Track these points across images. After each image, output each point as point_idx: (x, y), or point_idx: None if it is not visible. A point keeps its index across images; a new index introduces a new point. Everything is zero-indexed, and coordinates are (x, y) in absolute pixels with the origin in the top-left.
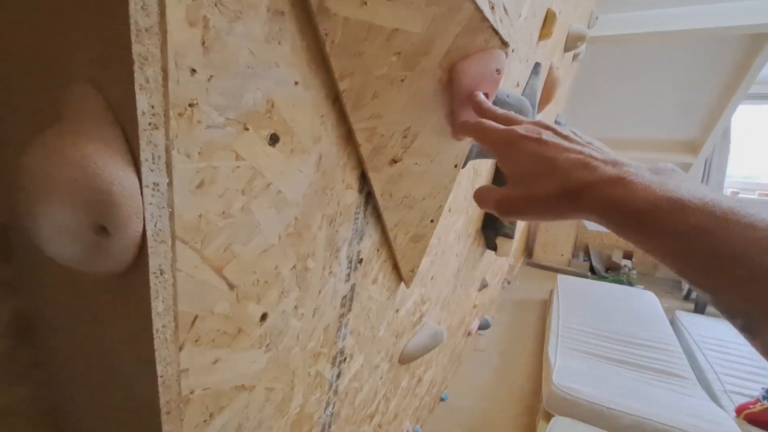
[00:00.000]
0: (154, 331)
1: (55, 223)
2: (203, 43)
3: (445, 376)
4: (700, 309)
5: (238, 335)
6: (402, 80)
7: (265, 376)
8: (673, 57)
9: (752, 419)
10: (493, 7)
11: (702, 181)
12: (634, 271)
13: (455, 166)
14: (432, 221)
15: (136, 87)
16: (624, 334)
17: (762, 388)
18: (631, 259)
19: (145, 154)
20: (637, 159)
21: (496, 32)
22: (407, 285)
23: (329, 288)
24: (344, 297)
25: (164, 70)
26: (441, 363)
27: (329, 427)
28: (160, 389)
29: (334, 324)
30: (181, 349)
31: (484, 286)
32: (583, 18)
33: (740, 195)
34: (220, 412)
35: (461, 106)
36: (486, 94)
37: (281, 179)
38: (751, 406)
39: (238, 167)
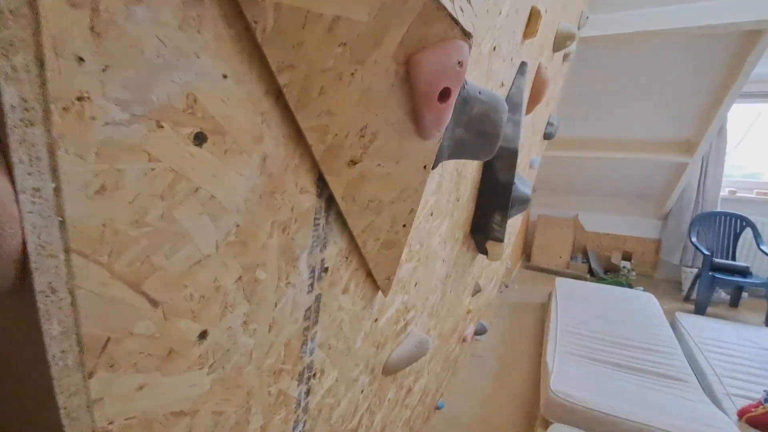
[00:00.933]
0: (50, 358)
1: None
2: (92, 28)
3: (440, 384)
4: (700, 310)
5: (169, 357)
6: (352, 74)
7: (210, 399)
8: (666, 56)
9: (754, 422)
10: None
11: (699, 180)
12: (633, 273)
13: (424, 167)
14: (404, 226)
15: (0, 77)
16: (624, 337)
17: (764, 391)
18: (630, 260)
19: (18, 155)
20: (631, 160)
21: (456, 22)
22: (385, 293)
23: (287, 300)
24: (308, 309)
25: (39, 59)
26: (434, 371)
27: None
28: (65, 422)
29: (297, 338)
30: (90, 376)
31: (477, 291)
32: (573, 17)
33: (738, 194)
34: None
35: (423, 103)
36: (448, 89)
37: (213, 183)
38: (753, 409)
39: (152, 170)
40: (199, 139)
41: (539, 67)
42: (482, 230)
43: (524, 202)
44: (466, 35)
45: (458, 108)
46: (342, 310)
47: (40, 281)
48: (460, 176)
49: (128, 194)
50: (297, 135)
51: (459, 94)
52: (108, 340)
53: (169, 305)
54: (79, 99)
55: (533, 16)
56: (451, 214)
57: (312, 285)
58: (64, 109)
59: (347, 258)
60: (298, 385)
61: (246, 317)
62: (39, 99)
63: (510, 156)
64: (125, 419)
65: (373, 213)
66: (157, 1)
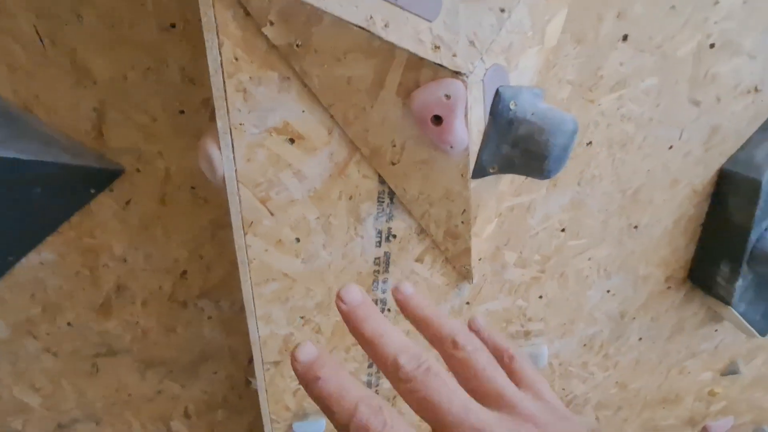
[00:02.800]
0: (235, 222)
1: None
2: (244, 98)
3: None
4: None
5: (279, 243)
6: (371, 107)
7: (302, 278)
8: None
9: None
10: (438, 47)
11: None
12: None
13: (461, 175)
14: (463, 223)
15: (220, 120)
16: None
17: None
18: None
19: (225, 144)
20: None
21: (441, 66)
22: (466, 279)
23: (356, 244)
24: (377, 258)
25: (227, 110)
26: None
27: None
28: (236, 241)
29: (368, 275)
30: (245, 234)
31: (733, 371)
32: None
33: None
34: (272, 281)
35: (421, 126)
36: (440, 117)
37: (299, 163)
38: None
39: (269, 153)
40: (291, 141)
41: None
42: (702, 280)
43: None
44: (456, 74)
45: (503, 127)
46: (416, 274)
47: (233, 200)
48: (636, 201)
49: (258, 163)
50: (360, 141)
51: (502, 115)
52: (252, 222)
53: (278, 217)
54: (241, 124)
55: None
56: (618, 242)
57: (380, 242)
58: (235, 128)
59: (419, 234)
60: None
61: (324, 242)
62: (227, 126)
63: (750, 189)
64: (259, 261)
65: (425, 203)
66: (268, 82)
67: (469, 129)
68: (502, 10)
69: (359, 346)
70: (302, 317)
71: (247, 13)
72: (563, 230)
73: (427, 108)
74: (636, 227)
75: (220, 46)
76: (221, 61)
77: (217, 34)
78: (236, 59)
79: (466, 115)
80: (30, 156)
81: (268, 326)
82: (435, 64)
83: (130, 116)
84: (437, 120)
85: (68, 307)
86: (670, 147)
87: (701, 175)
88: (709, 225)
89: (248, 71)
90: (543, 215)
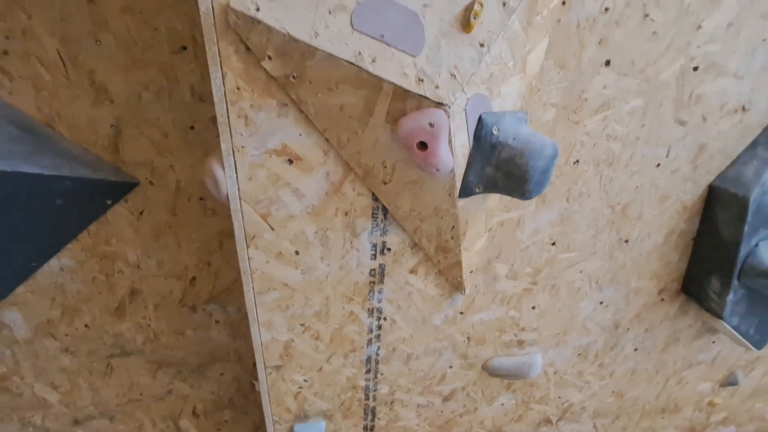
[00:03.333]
0: (238, 235)
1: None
2: (245, 124)
3: None
4: None
5: (279, 255)
6: (362, 132)
7: (302, 288)
8: None
9: None
10: (421, 80)
11: None
12: None
13: (449, 195)
14: (453, 238)
15: (224, 143)
16: None
17: None
18: None
19: (228, 164)
20: None
21: (425, 97)
22: (458, 291)
23: (352, 257)
24: (372, 269)
25: (230, 134)
26: None
27: (377, 363)
28: (239, 253)
29: (364, 285)
30: (248, 247)
31: (732, 383)
32: None
33: None
34: (273, 291)
35: (407, 151)
36: (425, 143)
37: (297, 181)
38: None
39: (269, 172)
40: (290, 162)
41: None
42: (694, 294)
43: None
44: (439, 104)
45: (487, 151)
46: (410, 285)
47: (236, 215)
48: (625, 216)
49: (259, 182)
50: (353, 162)
51: (486, 140)
52: (254, 236)
53: (278, 232)
54: (242, 147)
55: None
56: (609, 255)
57: (375, 255)
58: (237, 150)
59: (413, 248)
60: (368, 316)
61: (322, 254)
62: (230, 149)
63: (739, 206)
64: (261, 272)
65: (417, 219)
66: (267, 108)
67: (454, 153)
68: (482, 45)
69: (357, 353)
70: (302, 324)
71: (248, 49)
72: (553, 244)
73: (412, 135)
74: (626, 241)
75: (223, 77)
76: (224, 90)
77: (221, 66)
78: (238, 89)
79: (450, 141)
80: (53, 171)
81: (269, 332)
82: (419, 95)
83: (144, 132)
84: (423, 146)
85: (85, 310)
86: (658, 165)
87: (690, 192)
88: (700, 240)
89: (249, 99)
90: (533, 230)
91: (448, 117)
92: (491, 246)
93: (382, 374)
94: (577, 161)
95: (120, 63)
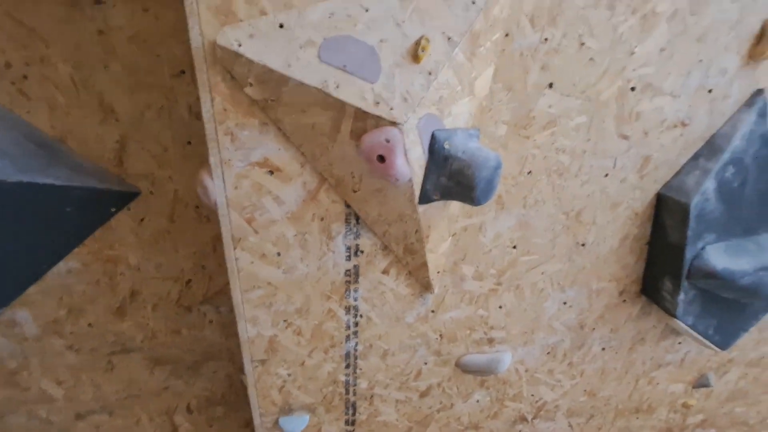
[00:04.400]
0: (226, 238)
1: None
2: (231, 140)
3: None
4: None
5: (263, 256)
6: (331, 147)
7: (284, 286)
8: None
9: None
10: (378, 103)
11: None
12: None
13: (410, 201)
14: (418, 241)
15: (213, 157)
16: None
17: None
18: None
19: (216, 175)
20: None
21: (381, 117)
22: (427, 290)
23: (329, 258)
24: (348, 270)
25: (218, 149)
26: None
27: (356, 358)
28: (227, 254)
29: (340, 284)
30: (235, 249)
31: (703, 384)
32: None
33: None
34: (258, 288)
35: (369, 163)
36: (382, 156)
37: (277, 189)
38: None
39: (252, 182)
40: (271, 173)
41: None
42: (651, 294)
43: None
44: (393, 123)
45: (441, 163)
46: (383, 285)
47: (224, 220)
48: (580, 222)
49: (244, 191)
50: (326, 173)
51: (439, 153)
52: (240, 239)
53: (261, 235)
54: (229, 160)
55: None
56: (568, 258)
57: (350, 257)
58: (225, 163)
59: (384, 250)
60: (346, 314)
61: (301, 255)
62: (219, 160)
63: (681, 212)
64: (246, 271)
65: (384, 224)
66: (250, 128)
67: (410, 165)
68: (430, 73)
69: (338, 348)
70: (285, 320)
71: (233, 77)
72: (515, 247)
73: (372, 150)
74: (583, 245)
75: (212, 100)
76: (213, 112)
77: (210, 92)
78: (225, 110)
79: (406, 154)
80: (63, 181)
81: (255, 327)
82: (376, 116)
83: (146, 147)
84: (382, 159)
85: (89, 310)
86: (606, 175)
87: (640, 199)
88: (653, 243)
89: (234, 119)
90: (494, 234)
91: (402, 134)
92: (457, 249)
93: (360, 369)
94: (530, 172)
95: (125, 85)
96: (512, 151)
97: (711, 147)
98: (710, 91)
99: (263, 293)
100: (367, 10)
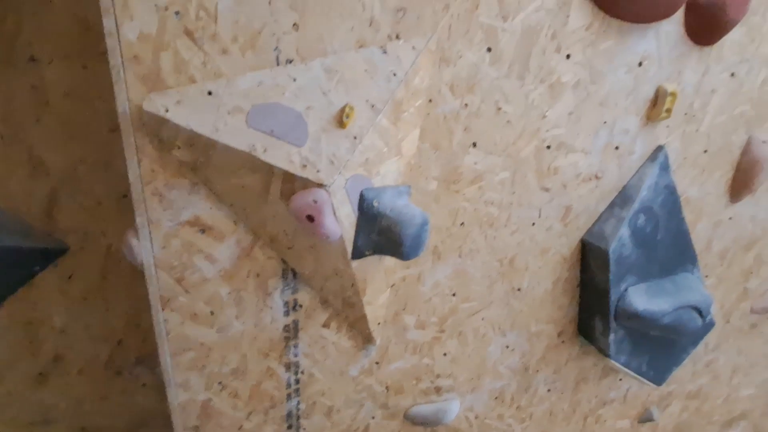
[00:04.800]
0: (153, 299)
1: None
2: (160, 201)
3: None
4: None
5: (194, 316)
6: (263, 206)
7: (218, 346)
8: None
9: None
10: (305, 166)
11: None
12: None
13: (343, 257)
14: (356, 293)
15: (139, 217)
16: None
17: None
18: None
19: (143, 236)
20: None
21: (308, 179)
22: (368, 341)
23: (266, 314)
24: (287, 325)
25: (145, 209)
26: None
27: (298, 418)
28: (154, 316)
29: (279, 341)
30: (163, 309)
31: (647, 419)
32: None
33: None
34: (189, 351)
35: (299, 222)
36: (311, 216)
37: (210, 248)
38: None
39: (184, 240)
40: (202, 231)
41: (750, 143)
42: (586, 335)
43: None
44: (320, 185)
45: (371, 220)
46: (324, 338)
47: (151, 281)
48: (514, 268)
49: (173, 250)
50: (260, 230)
51: (368, 211)
52: (168, 299)
53: (192, 295)
54: (156, 220)
55: (661, 97)
56: (506, 303)
57: (288, 312)
58: (153, 224)
59: (323, 304)
60: (286, 371)
61: (236, 314)
62: (145, 221)
63: (602, 257)
64: (175, 333)
65: (321, 279)
66: (179, 185)
67: (340, 223)
68: (355, 138)
69: (278, 408)
70: (220, 383)
71: (161, 140)
72: (454, 295)
73: (301, 210)
74: (519, 290)
75: (139, 162)
76: (140, 173)
77: (137, 153)
78: (153, 171)
79: (334, 213)
80: None
81: (186, 393)
82: (303, 178)
83: (78, 201)
84: (311, 218)
85: (8, 377)
86: (533, 224)
87: (566, 245)
88: (583, 286)
89: (163, 180)
90: (433, 283)
91: (329, 194)
92: (397, 299)
93: (304, 429)
94: (463, 223)
95: (58, 139)
96: (444, 204)
97: (623, 197)
98: (617, 147)
99: (195, 355)
100: (294, 80)
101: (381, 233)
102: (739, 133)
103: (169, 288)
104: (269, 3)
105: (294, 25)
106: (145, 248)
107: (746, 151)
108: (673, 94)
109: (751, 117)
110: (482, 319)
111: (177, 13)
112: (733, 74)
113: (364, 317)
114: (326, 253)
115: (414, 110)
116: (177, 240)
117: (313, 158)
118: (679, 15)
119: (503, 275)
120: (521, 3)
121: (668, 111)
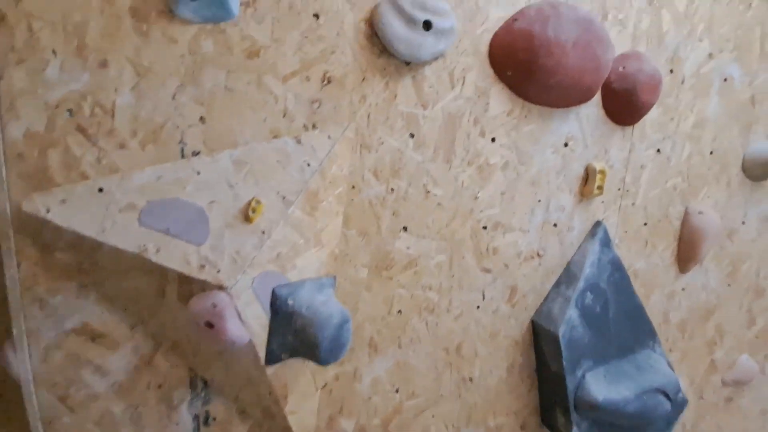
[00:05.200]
0: (33, 421)
1: None
2: (40, 307)
3: None
4: None
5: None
6: (160, 310)
7: None
8: None
9: None
10: (203, 266)
11: None
12: None
13: (255, 363)
14: (274, 403)
15: (16, 328)
16: None
17: None
18: None
19: (20, 348)
20: None
21: (206, 281)
22: None
23: (173, 431)
24: None
25: (22, 318)
26: None
27: None
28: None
29: None
30: None
31: None
32: None
33: None
34: None
35: (199, 330)
36: (210, 324)
37: (101, 358)
38: None
39: (67, 352)
40: (92, 340)
41: (688, 214)
42: (552, 426)
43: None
44: (220, 287)
45: (286, 320)
46: None
47: (29, 399)
48: (462, 356)
49: (55, 364)
50: (160, 336)
51: (282, 310)
52: (51, 420)
53: (79, 414)
54: (37, 329)
55: (591, 174)
56: (458, 396)
57: (198, 427)
58: (30, 335)
59: (241, 414)
60: None
61: None
62: (22, 332)
63: (552, 340)
64: None
65: (234, 388)
66: (64, 289)
67: (248, 326)
68: (263, 232)
69: None
70: None
71: (44, 242)
72: (397, 391)
73: (199, 315)
74: (471, 380)
75: (18, 265)
76: (19, 277)
77: (16, 256)
78: (34, 274)
79: (239, 317)
80: None
81: None
82: (201, 279)
83: None
84: (209, 325)
85: None
86: (478, 307)
87: (516, 327)
88: (539, 371)
89: (45, 284)
90: (372, 379)
91: (231, 297)
92: (330, 401)
93: None
94: (400, 311)
95: None
96: (377, 292)
97: (568, 274)
98: (555, 225)
99: None
100: (198, 173)
101: (296, 335)
102: (675, 205)
103: (51, 408)
104: (173, 98)
105: (201, 118)
106: (22, 363)
107: (685, 222)
108: (603, 172)
109: (684, 189)
110: (432, 416)
111: (69, 110)
112: (659, 150)
113: (288, 429)
114: (237, 360)
115: (333, 198)
116: (60, 352)
117: (214, 257)
118: (597, 98)
119: (451, 365)
120: (439, 93)
121: (600, 188)
